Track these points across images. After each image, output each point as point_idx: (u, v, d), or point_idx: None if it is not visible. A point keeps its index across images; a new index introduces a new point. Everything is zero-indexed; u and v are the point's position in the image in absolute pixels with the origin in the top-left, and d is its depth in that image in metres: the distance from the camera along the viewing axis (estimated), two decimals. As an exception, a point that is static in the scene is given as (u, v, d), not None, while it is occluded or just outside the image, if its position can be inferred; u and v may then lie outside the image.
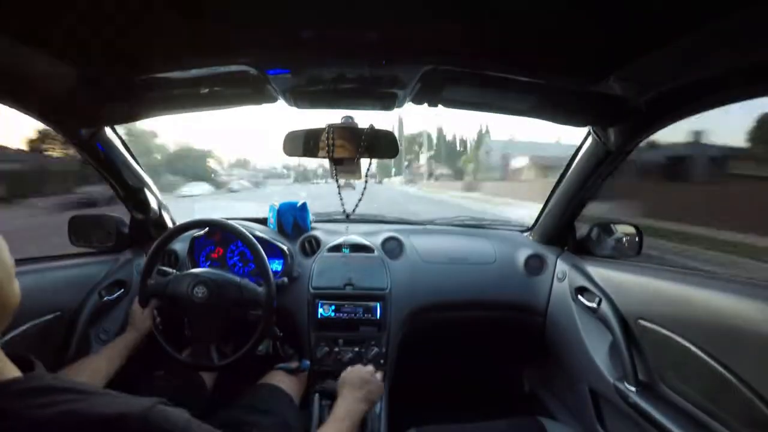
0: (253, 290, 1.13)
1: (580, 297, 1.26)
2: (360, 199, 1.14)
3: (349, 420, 0.84)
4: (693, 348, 0.84)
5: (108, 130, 1.12)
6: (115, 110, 1.01)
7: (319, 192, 13.04)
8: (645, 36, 0.63)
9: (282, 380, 1.16)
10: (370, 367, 1.02)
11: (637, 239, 1.25)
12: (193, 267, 1.35)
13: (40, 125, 0.96)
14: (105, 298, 1.18)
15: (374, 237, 1.53)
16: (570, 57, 0.73)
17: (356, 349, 1.31)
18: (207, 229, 1.37)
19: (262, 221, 1.57)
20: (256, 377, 1.18)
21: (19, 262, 0.51)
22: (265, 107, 1.01)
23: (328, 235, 1.52)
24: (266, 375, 1.19)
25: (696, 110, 0.89)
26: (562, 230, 1.43)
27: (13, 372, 0.46)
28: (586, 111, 0.98)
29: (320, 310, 1.34)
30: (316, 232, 1.53)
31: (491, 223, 1.81)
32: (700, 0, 0.52)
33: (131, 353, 1.05)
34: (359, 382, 0.95)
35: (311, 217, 1.59)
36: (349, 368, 1.01)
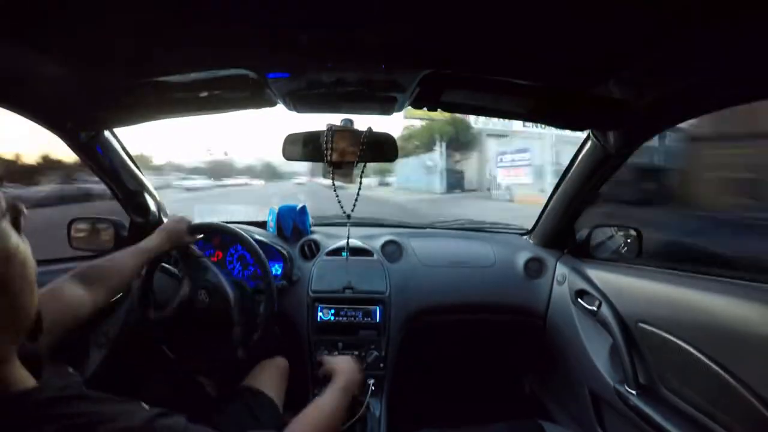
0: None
1: (580, 300, 1.26)
2: (356, 200, 1.14)
3: (343, 397, 0.91)
4: (693, 351, 0.84)
5: (107, 134, 1.12)
6: (114, 114, 1.01)
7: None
8: (644, 39, 0.63)
9: (264, 382, 1.15)
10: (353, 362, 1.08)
11: (636, 242, 1.25)
12: None
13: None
14: None
15: (373, 240, 1.52)
16: (569, 60, 0.74)
17: (356, 352, 1.31)
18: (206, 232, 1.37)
19: (262, 224, 1.57)
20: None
21: None
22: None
23: (328, 238, 1.52)
24: (248, 376, 1.17)
25: (695, 113, 0.89)
26: (562, 233, 1.43)
27: (27, 380, 0.46)
28: (586, 114, 0.98)
29: (320, 314, 1.33)
30: (315, 236, 1.53)
31: (491, 226, 1.81)
32: (699, 4, 0.52)
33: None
34: (352, 371, 1.02)
35: (311, 221, 1.58)
36: (341, 358, 1.08)
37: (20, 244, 0.44)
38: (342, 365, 1.03)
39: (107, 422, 0.44)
